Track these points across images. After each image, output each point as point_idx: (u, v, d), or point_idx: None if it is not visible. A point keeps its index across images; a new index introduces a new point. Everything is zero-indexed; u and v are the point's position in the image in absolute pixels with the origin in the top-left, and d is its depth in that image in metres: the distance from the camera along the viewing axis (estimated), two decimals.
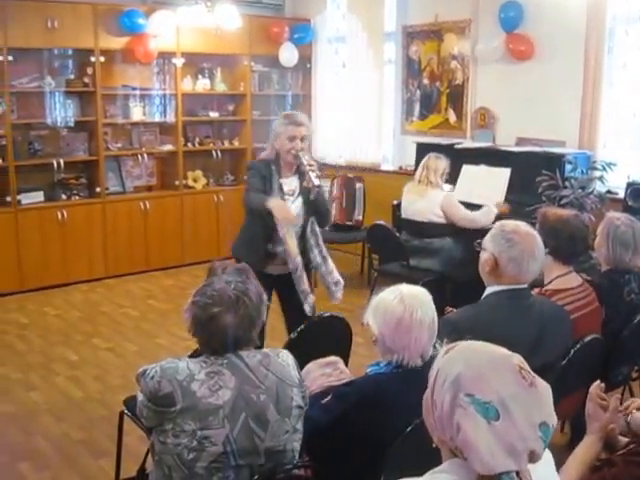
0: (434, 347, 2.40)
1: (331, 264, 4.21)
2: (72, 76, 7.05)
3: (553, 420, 1.44)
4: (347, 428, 2.35)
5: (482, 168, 6.14)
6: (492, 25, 6.54)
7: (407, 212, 5.82)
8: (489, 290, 2.93)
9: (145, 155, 7.58)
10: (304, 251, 4.08)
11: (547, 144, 6.11)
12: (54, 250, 6.88)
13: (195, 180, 7.87)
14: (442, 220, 5.60)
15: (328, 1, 8.30)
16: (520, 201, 5.57)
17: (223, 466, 2.13)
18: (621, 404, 2.18)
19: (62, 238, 6.92)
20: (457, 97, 7.12)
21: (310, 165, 3.89)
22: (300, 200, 4.05)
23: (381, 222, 5.90)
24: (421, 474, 1.50)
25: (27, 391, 4.65)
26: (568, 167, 5.63)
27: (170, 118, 7.62)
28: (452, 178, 6.09)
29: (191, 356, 2.34)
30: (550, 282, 3.28)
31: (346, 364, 3.00)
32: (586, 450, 2.08)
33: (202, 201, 7.79)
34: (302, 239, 4.09)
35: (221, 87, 7.98)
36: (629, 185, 5.48)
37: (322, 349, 2.94)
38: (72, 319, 6.09)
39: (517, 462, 1.38)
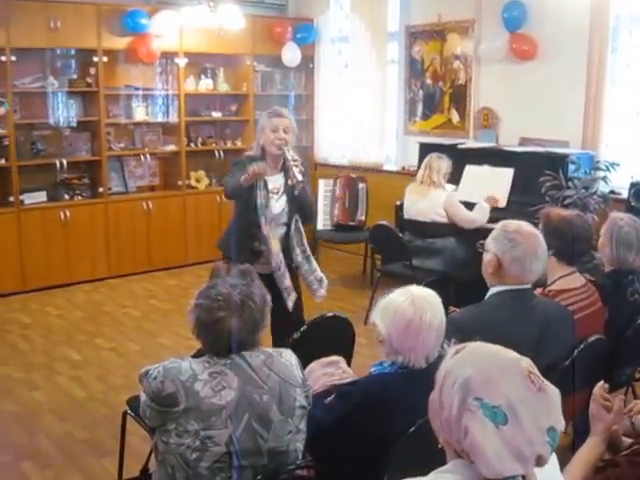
0: (441, 347, 2.39)
1: (314, 263, 4.22)
2: (75, 76, 7.05)
3: (561, 425, 1.44)
4: (350, 428, 2.35)
5: (485, 168, 6.14)
6: (495, 25, 6.54)
7: (410, 212, 5.82)
8: (492, 291, 2.93)
9: (148, 155, 7.58)
10: (287, 249, 4.11)
11: (550, 144, 6.10)
12: (57, 250, 6.88)
13: (198, 180, 7.87)
14: (445, 220, 5.61)
15: (331, 1, 8.30)
16: (523, 201, 5.57)
17: (226, 466, 2.13)
18: (625, 405, 2.18)
19: (65, 238, 6.92)
20: (460, 97, 7.12)
21: (294, 160, 3.91)
22: (284, 198, 4.09)
23: (384, 222, 5.89)
24: (425, 474, 1.50)
25: (30, 391, 4.66)
26: (571, 167, 5.63)
27: (173, 118, 7.62)
28: (455, 178, 6.09)
29: (194, 356, 2.34)
30: (553, 282, 3.27)
31: (349, 364, 3.00)
32: (590, 451, 2.07)
33: (205, 201, 7.79)
34: (286, 237, 4.12)
35: (224, 87, 7.97)
36: (632, 185, 5.47)
37: (325, 349, 2.94)
38: (75, 319, 6.09)
39: (524, 466, 1.38)
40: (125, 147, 7.50)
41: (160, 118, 7.64)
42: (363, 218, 7.23)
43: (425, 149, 6.48)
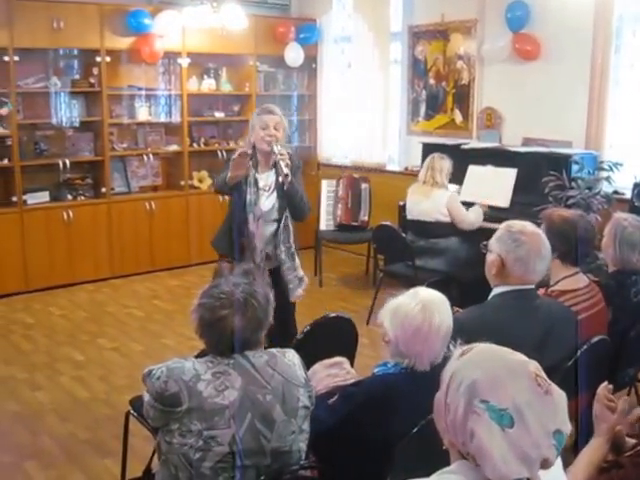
0: (447, 348, 2.39)
1: (297, 261, 4.24)
2: (78, 76, 7.06)
3: (567, 428, 1.43)
4: (354, 428, 2.35)
5: (488, 169, 6.14)
6: (498, 25, 6.53)
7: (413, 213, 5.82)
8: (495, 291, 2.92)
9: (151, 155, 7.59)
10: (275, 246, 4.16)
11: (553, 144, 6.10)
12: (60, 250, 6.88)
13: (200, 180, 7.87)
14: (448, 219, 5.63)
15: (334, 1, 8.29)
16: (526, 201, 5.56)
17: (229, 466, 2.13)
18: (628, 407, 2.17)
19: (68, 238, 6.93)
20: (463, 97, 7.11)
21: (281, 154, 3.95)
22: (275, 195, 4.13)
23: (387, 223, 5.88)
24: (428, 475, 1.50)
25: (33, 391, 4.66)
26: (575, 167, 5.62)
27: (176, 118, 7.62)
28: (458, 178, 6.09)
29: (197, 356, 2.34)
30: (556, 283, 3.27)
31: (352, 364, 2.99)
32: (593, 452, 2.07)
33: (207, 201, 7.78)
34: (275, 234, 4.16)
35: (227, 87, 7.97)
36: (636, 185, 5.46)
37: (328, 349, 2.93)
38: (78, 319, 6.09)
39: (530, 469, 1.38)
40: (128, 147, 7.51)
41: (163, 118, 7.65)
42: (366, 218, 7.22)
43: (428, 149, 6.48)
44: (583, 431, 2.48)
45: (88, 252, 7.06)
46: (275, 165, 4.06)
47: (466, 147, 6.49)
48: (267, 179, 4.13)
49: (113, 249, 7.23)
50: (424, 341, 2.35)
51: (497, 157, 6.18)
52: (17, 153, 6.56)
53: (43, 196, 6.87)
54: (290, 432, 2.21)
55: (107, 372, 4.96)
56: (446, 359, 1.58)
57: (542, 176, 5.51)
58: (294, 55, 8.09)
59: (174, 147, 7.70)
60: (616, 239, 3.50)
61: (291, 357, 2.32)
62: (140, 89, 7.42)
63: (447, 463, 1.51)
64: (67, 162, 6.87)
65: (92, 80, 6.96)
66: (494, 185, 5.97)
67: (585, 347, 2.99)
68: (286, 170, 3.90)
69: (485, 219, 5.72)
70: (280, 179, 4.02)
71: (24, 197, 6.66)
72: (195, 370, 2.16)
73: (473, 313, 2.87)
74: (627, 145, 5.94)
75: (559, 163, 5.61)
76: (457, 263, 5.53)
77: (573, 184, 5.46)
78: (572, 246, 3.23)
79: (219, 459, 2.11)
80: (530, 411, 1.39)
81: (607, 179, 5.67)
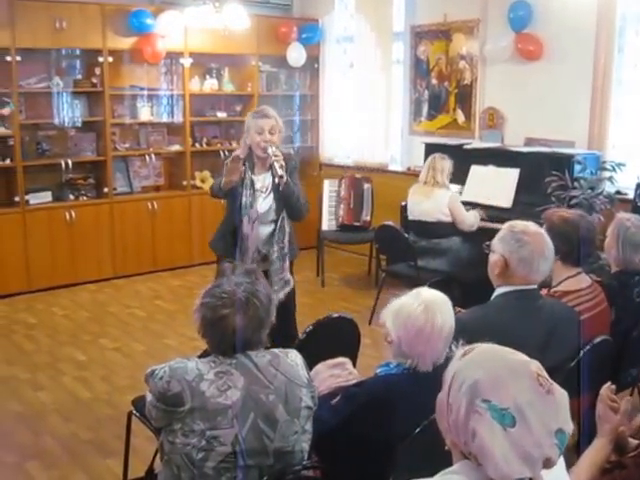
0: (449, 349, 2.39)
1: (286, 264, 4.24)
2: (80, 76, 7.06)
3: (569, 427, 1.43)
4: (356, 429, 2.35)
5: (491, 169, 6.14)
6: (501, 25, 6.52)
7: (414, 213, 5.82)
8: (498, 291, 2.92)
9: (153, 155, 7.59)
10: (269, 245, 4.18)
11: (556, 144, 6.09)
12: (62, 250, 6.89)
13: (203, 180, 7.86)
14: (450, 219, 5.63)
15: (336, 1, 8.30)
16: (529, 202, 5.56)
17: (232, 466, 2.12)
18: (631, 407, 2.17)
19: (70, 238, 6.93)
20: (465, 97, 7.10)
21: (276, 156, 3.97)
22: (272, 196, 4.14)
23: (389, 223, 5.88)
24: (431, 475, 1.50)
25: (35, 391, 4.66)
26: (577, 167, 5.61)
27: (178, 118, 7.63)
28: (461, 179, 6.10)
29: (200, 357, 2.34)
30: (559, 284, 3.26)
31: (354, 364, 2.99)
32: (596, 452, 2.07)
33: (210, 202, 7.67)
34: (272, 234, 4.17)
35: (229, 87, 7.97)
36: (639, 186, 5.45)
37: (330, 350, 2.93)
38: (80, 319, 6.09)
39: (532, 469, 1.38)
40: (130, 147, 7.51)
41: (165, 118, 7.65)
42: (368, 218, 7.22)
43: (430, 149, 6.48)
44: (586, 432, 2.48)
45: (90, 252, 7.06)
46: (271, 167, 4.07)
47: (468, 147, 6.49)
48: (264, 180, 4.15)
49: (115, 249, 7.24)
50: (427, 341, 2.35)
51: (499, 157, 6.18)
52: (19, 153, 6.56)
53: (45, 196, 6.87)
54: (293, 432, 2.21)
55: (109, 372, 4.96)
56: (448, 359, 1.58)
57: (544, 176, 5.51)
58: (296, 55, 8.09)
59: (176, 147, 7.71)
60: (619, 239, 3.49)
61: (294, 357, 2.32)
62: (142, 89, 7.42)
63: (450, 463, 1.51)
64: (69, 162, 6.88)
65: (94, 80, 6.96)
66: (496, 185, 5.97)
67: (588, 347, 2.99)
68: (281, 172, 3.92)
69: (487, 219, 5.73)
70: (276, 180, 4.03)
71: (26, 197, 6.67)
72: (198, 370, 2.16)
73: (476, 313, 2.87)
74: (630, 145, 5.93)
75: (562, 163, 5.61)
76: (459, 263, 5.53)
77: (576, 184, 5.46)
78: (573, 247, 3.23)
79: (222, 459, 2.11)
80: (532, 410, 1.39)
81: (610, 179, 5.66)
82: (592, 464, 2.02)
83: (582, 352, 2.97)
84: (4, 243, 6.55)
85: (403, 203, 6.29)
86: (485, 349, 1.52)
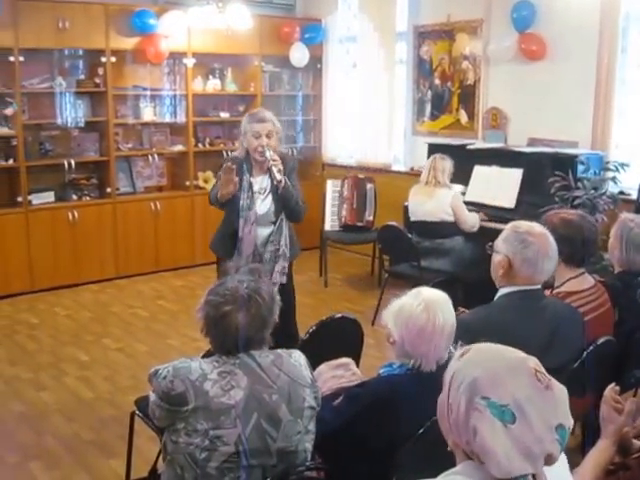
0: (451, 349, 2.38)
1: (278, 266, 4.21)
2: (83, 76, 7.07)
3: (569, 422, 1.44)
4: (359, 429, 2.35)
5: (494, 169, 6.13)
6: (504, 25, 6.52)
7: (416, 214, 5.82)
8: (502, 292, 2.91)
9: (156, 155, 7.59)
10: (266, 244, 4.18)
11: (559, 145, 6.08)
12: (65, 250, 6.89)
13: (206, 181, 7.87)
14: (453, 219, 5.63)
15: (339, 1, 8.30)
16: (532, 202, 5.55)
17: (235, 466, 2.13)
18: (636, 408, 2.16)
19: (73, 238, 6.94)
20: (468, 97, 7.10)
21: (273, 160, 3.97)
22: (270, 197, 4.14)
23: (392, 223, 5.88)
24: (434, 476, 1.50)
25: (37, 391, 4.66)
26: (580, 168, 5.60)
27: (181, 118, 7.63)
28: (464, 179, 6.09)
29: (204, 357, 2.34)
30: (562, 284, 3.25)
31: (357, 365, 2.99)
32: (600, 453, 2.06)
33: None
34: (270, 236, 4.17)
35: (232, 87, 7.97)
36: None
37: (333, 350, 2.93)
38: (82, 319, 6.09)
39: (534, 465, 1.38)
40: (133, 147, 7.51)
41: (168, 118, 7.65)
42: (371, 219, 7.21)
43: (433, 149, 6.47)
44: (590, 433, 2.48)
45: (93, 252, 7.07)
46: (269, 170, 4.07)
47: (471, 147, 6.49)
48: (262, 182, 4.15)
49: (118, 249, 7.24)
50: (429, 340, 2.35)
51: (502, 157, 6.16)
52: (22, 153, 6.56)
53: (48, 196, 6.87)
54: (296, 432, 2.21)
55: (112, 372, 4.96)
56: (449, 360, 1.58)
57: (548, 176, 5.50)
58: (299, 55, 8.09)
59: (179, 147, 7.71)
60: (622, 240, 3.49)
61: (297, 357, 2.32)
62: (145, 89, 7.43)
63: (453, 464, 1.51)
64: (72, 162, 6.88)
65: (97, 80, 6.97)
66: (500, 185, 5.96)
67: (591, 348, 2.99)
68: (279, 176, 3.93)
69: (490, 219, 5.72)
70: (274, 182, 4.03)
71: (29, 197, 6.67)
72: (201, 370, 2.16)
73: (479, 314, 2.86)
74: (633, 145, 5.92)
75: (565, 163, 5.60)
76: (462, 263, 5.53)
77: (579, 184, 5.44)
78: (575, 248, 3.22)
79: (225, 459, 2.11)
80: (531, 406, 1.39)
81: (613, 179, 5.65)
82: (596, 465, 2.02)
83: (586, 353, 2.96)
84: (7, 243, 6.56)
85: (406, 203, 6.28)
86: (482, 348, 1.53)
